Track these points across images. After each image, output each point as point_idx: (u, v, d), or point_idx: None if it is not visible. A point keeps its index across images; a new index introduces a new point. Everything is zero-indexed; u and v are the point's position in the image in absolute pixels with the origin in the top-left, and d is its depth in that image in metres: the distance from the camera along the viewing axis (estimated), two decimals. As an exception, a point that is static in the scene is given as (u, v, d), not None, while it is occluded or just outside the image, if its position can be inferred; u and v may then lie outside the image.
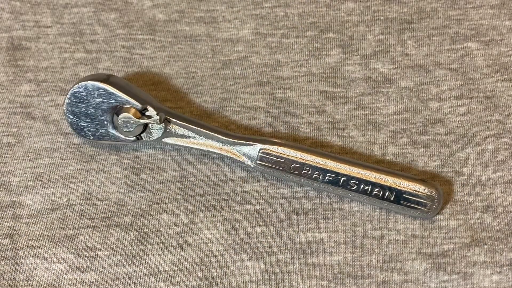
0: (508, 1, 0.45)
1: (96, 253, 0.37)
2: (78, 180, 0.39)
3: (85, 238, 0.38)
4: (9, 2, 0.46)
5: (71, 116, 0.39)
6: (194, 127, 0.38)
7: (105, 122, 0.39)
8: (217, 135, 0.38)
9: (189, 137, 0.39)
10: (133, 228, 0.38)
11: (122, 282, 0.36)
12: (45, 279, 0.37)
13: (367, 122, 0.41)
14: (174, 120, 0.39)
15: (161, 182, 0.39)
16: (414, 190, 0.36)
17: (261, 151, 0.38)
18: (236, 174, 0.39)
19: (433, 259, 0.36)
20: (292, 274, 0.36)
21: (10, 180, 0.40)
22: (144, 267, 0.37)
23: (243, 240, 0.37)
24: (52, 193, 0.39)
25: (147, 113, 0.38)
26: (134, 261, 0.37)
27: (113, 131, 0.39)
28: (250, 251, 0.37)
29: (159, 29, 0.45)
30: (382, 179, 0.37)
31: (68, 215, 0.38)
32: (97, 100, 0.38)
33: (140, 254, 0.37)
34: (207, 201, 0.39)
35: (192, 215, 0.38)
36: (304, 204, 0.38)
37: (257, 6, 0.46)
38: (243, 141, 0.38)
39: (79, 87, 0.38)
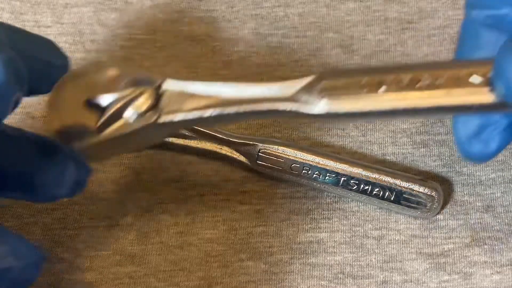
0: (508, 1, 0.45)
1: (96, 253, 0.37)
2: (78, 180, 0.39)
3: (85, 238, 0.38)
4: (9, 2, 0.46)
5: (71, 116, 0.39)
6: (194, 127, 0.38)
7: (105, 122, 0.39)
8: (217, 135, 0.38)
9: (189, 137, 0.39)
10: (133, 228, 0.38)
11: (122, 282, 0.36)
12: (45, 279, 0.36)
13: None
14: (174, 120, 0.39)
15: (161, 182, 0.39)
16: (414, 190, 0.36)
17: (261, 151, 0.38)
18: (236, 174, 0.39)
19: (433, 259, 0.36)
20: (292, 274, 0.36)
21: (10, 180, 0.40)
22: (144, 267, 0.37)
23: (243, 240, 0.37)
24: (52, 193, 0.39)
25: (147, 113, 0.38)
26: (134, 261, 0.37)
27: (113, 131, 0.39)
28: (250, 251, 0.37)
29: (159, 29, 0.45)
30: (382, 179, 0.37)
31: (68, 215, 0.38)
32: (97, 100, 0.38)
33: (140, 254, 0.37)
34: (207, 201, 0.39)
35: (192, 215, 0.38)
36: (304, 204, 0.38)
37: (257, 6, 0.46)
38: (243, 141, 0.38)
39: (79, 87, 0.38)
